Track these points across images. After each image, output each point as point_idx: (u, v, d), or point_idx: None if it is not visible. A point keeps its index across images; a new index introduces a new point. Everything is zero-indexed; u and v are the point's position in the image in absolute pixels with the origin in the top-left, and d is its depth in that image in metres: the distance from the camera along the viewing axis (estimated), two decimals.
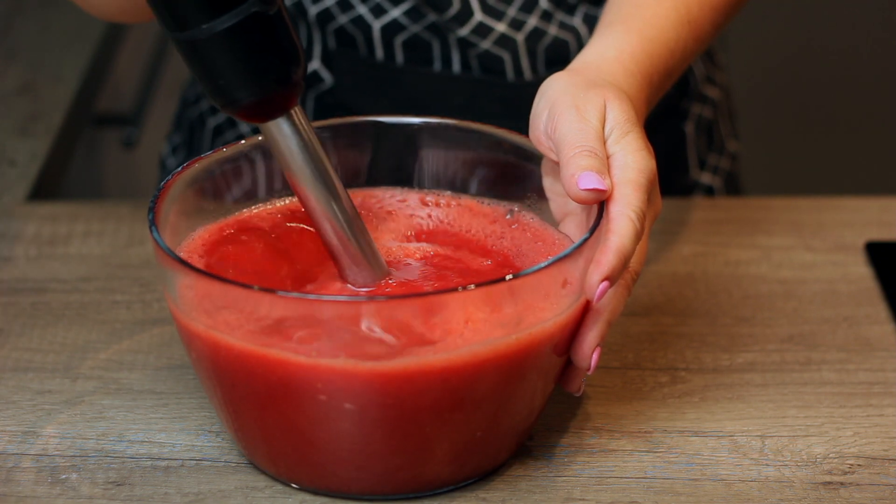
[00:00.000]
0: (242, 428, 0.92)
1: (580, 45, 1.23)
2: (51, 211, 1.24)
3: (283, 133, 0.89)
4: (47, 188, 1.34)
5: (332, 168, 0.91)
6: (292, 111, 0.89)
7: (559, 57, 1.23)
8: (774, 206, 1.25)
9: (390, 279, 0.94)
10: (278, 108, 0.88)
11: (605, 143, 0.93)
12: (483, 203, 1.02)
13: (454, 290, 0.86)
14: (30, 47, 1.55)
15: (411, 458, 0.90)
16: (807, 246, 1.19)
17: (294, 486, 0.93)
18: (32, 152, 1.35)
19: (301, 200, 0.92)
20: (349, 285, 0.94)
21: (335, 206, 0.92)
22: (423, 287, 0.93)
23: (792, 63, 2.48)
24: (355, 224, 0.93)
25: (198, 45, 0.85)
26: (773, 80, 2.49)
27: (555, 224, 0.99)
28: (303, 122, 0.90)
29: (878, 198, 1.26)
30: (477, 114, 1.02)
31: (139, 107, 1.80)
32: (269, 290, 0.88)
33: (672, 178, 1.34)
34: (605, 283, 0.89)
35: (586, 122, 0.93)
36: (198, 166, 0.97)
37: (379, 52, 1.23)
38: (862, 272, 1.16)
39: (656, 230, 1.20)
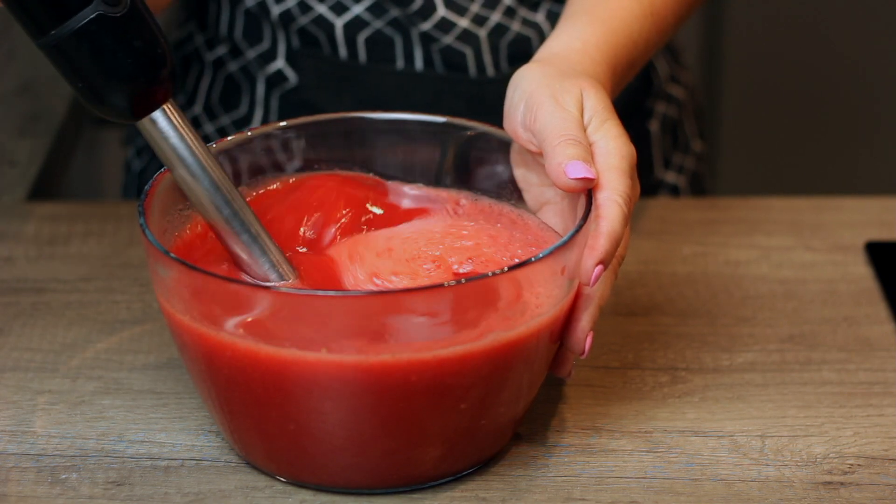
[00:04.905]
0: (239, 428, 0.92)
1: (542, 42, 1.24)
2: (51, 211, 1.24)
3: (158, 130, 0.89)
4: (47, 188, 1.34)
5: (215, 163, 0.91)
6: (165, 108, 0.89)
7: (521, 53, 1.23)
8: (774, 206, 1.25)
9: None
10: (143, 108, 0.88)
11: (585, 131, 0.94)
12: (459, 195, 1.02)
13: (457, 282, 0.86)
14: (30, 47, 1.55)
15: (407, 446, 0.90)
16: (807, 246, 1.19)
17: (293, 483, 0.93)
18: (32, 152, 1.35)
19: (187, 196, 0.92)
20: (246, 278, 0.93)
21: (218, 202, 0.91)
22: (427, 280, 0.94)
23: (792, 62, 2.48)
24: (244, 218, 0.92)
25: (51, 50, 0.86)
26: (773, 80, 2.49)
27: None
28: (176, 118, 0.89)
29: (878, 198, 1.26)
30: (440, 111, 1.03)
31: None
32: (263, 286, 0.88)
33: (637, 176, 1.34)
34: (600, 267, 0.91)
35: (566, 112, 0.94)
36: None
37: (342, 51, 1.24)
38: (862, 272, 1.16)
39: (656, 230, 1.20)
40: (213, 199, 0.91)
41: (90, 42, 0.85)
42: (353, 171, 1.04)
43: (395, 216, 1.01)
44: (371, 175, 1.04)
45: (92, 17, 0.85)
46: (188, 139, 0.90)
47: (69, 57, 0.86)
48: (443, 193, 1.03)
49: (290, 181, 1.02)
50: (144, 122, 0.89)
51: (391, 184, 1.03)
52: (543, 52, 1.02)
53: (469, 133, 1.01)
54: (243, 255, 0.92)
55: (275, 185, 1.02)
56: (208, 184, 0.90)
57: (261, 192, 1.02)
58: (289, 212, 0.99)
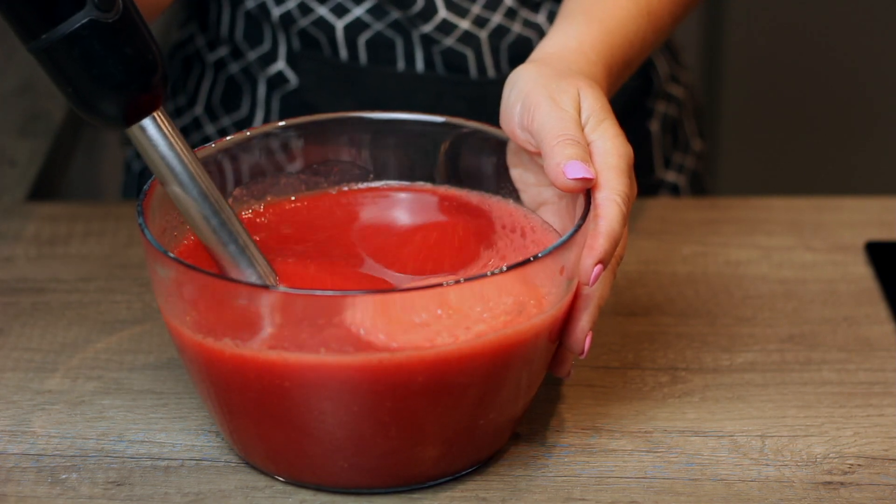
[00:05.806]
0: (238, 428, 0.92)
1: None
2: (51, 211, 1.24)
3: (147, 138, 0.88)
4: (47, 188, 1.34)
5: (204, 173, 0.90)
6: (155, 116, 0.88)
7: (522, 54, 1.23)
8: (774, 206, 1.25)
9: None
10: (133, 115, 0.87)
11: (582, 131, 0.94)
12: (463, 195, 1.03)
13: (456, 282, 0.86)
14: None
15: (406, 445, 0.90)
16: (807, 246, 1.19)
17: (293, 483, 0.93)
18: (32, 152, 1.35)
19: (176, 206, 0.91)
20: None
21: (206, 212, 0.90)
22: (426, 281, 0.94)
23: (792, 62, 2.48)
24: (232, 228, 0.91)
25: (42, 54, 0.85)
26: (773, 80, 2.50)
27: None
28: (167, 127, 0.88)
29: (878, 198, 1.26)
30: (441, 112, 1.03)
31: None
32: (263, 286, 0.88)
33: (637, 176, 1.35)
34: (599, 267, 0.91)
35: (564, 112, 0.94)
36: None
37: (343, 53, 1.24)
38: (862, 272, 1.16)
39: (656, 230, 1.20)
40: (202, 209, 0.90)
41: (81, 47, 0.84)
42: (353, 176, 1.04)
43: (392, 234, 1.01)
44: (371, 178, 1.04)
45: (84, 21, 0.84)
46: (177, 148, 0.89)
47: (59, 62, 0.85)
48: (442, 192, 1.03)
49: (292, 200, 1.03)
50: (134, 130, 0.88)
51: (390, 187, 1.03)
52: (539, 52, 1.02)
53: (467, 132, 1.01)
54: (230, 266, 0.91)
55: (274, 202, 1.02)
56: (197, 194, 0.90)
57: (262, 211, 1.02)
58: (289, 230, 1.00)
